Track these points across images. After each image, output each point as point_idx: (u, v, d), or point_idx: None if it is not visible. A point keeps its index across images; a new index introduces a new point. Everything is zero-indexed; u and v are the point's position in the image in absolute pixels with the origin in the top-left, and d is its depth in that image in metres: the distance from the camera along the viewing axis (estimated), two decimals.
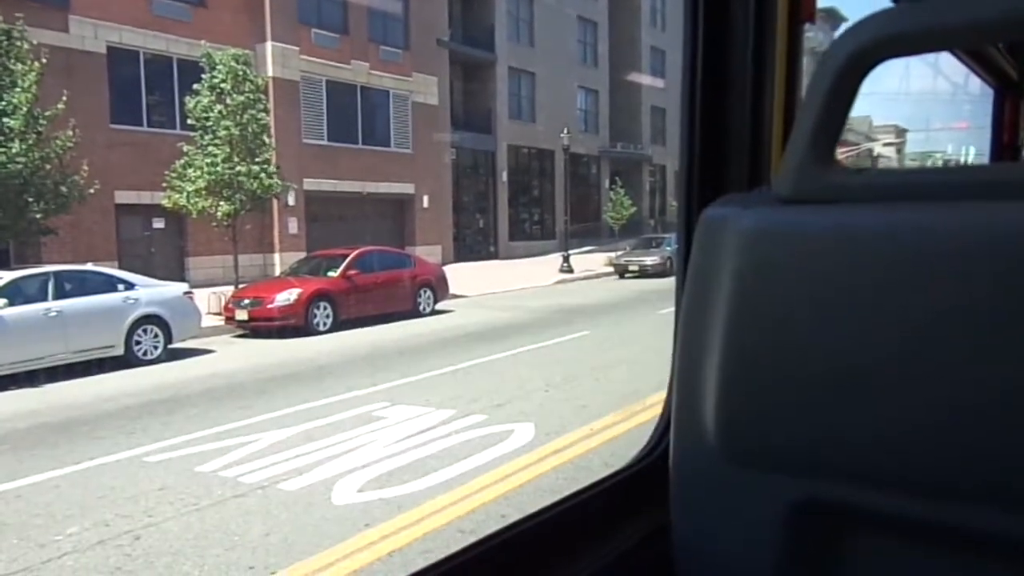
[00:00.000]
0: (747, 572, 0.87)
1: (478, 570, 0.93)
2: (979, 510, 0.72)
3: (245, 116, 17.02)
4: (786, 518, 0.82)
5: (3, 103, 14.15)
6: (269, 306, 14.15)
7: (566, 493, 1.09)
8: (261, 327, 14.08)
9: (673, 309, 1.14)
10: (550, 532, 1.03)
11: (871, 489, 0.76)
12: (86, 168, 15.53)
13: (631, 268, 23.96)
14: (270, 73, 22.48)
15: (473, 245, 31.66)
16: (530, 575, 0.97)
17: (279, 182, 18.01)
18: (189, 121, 17.35)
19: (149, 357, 11.87)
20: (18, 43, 14.67)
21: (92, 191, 15.78)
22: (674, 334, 0.93)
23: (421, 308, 16.59)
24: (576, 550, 1.02)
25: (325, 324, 14.58)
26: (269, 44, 23.25)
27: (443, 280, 17.68)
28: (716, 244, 0.81)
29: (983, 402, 0.68)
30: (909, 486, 0.74)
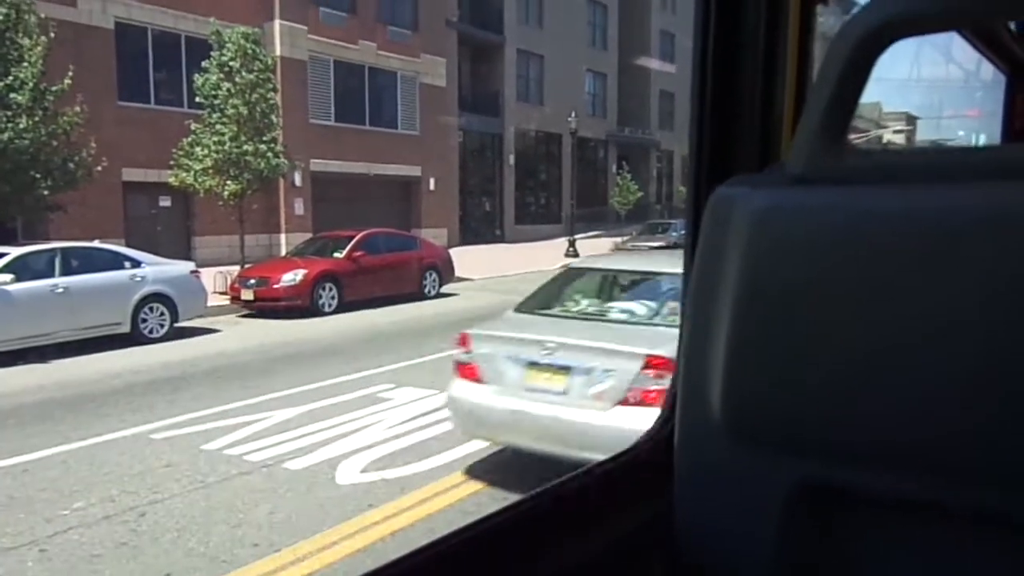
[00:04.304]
0: (749, 551, 0.87)
1: (477, 550, 0.93)
2: (984, 491, 0.71)
3: (253, 95, 16.96)
4: (790, 498, 0.82)
5: (10, 78, 14.10)
6: (275, 286, 14.18)
7: (569, 475, 1.09)
8: (267, 307, 14.12)
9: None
10: (551, 513, 1.03)
11: (876, 470, 0.76)
12: (94, 145, 15.50)
13: None
14: (278, 52, 22.39)
15: (479, 228, 31.62)
16: (530, 555, 0.97)
17: (286, 162, 17.99)
18: (197, 99, 17.30)
19: (155, 335, 11.92)
20: (26, 17, 14.60)
21: (100, 168, 15.75)
22: (680, 314, 0.92)
23: (426, 291, 16.60)
24: (578, 531, 1.02)
25: (330, 305, 14.60)
26: (277, 22, 23.15)
27: (449, 263, 17.67)
28: (726, 223, 0.80)
29: (992, 385, 0.68)
30: (914, 468, 0.74)
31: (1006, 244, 0.67)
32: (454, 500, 5.16)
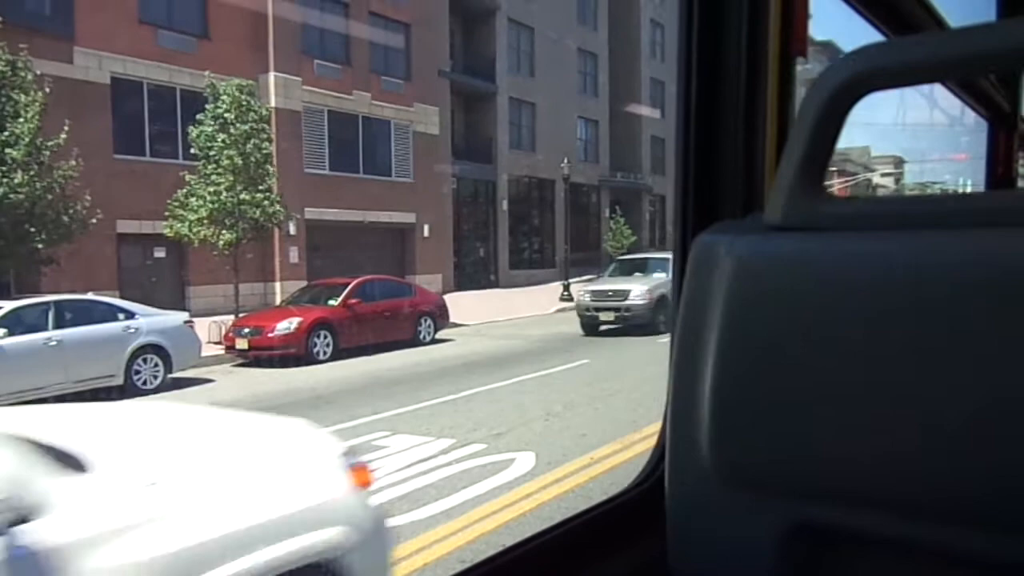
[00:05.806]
0: None
1: None
2: (973, 533, 0.72)
3: (248, 145, 17.12)
4: (781, 542, 0.82)
5: (6, 134, 14.24)
6: (269, 335, 14.14)
7: (559, 519, 1.09)
8: (261, 356, 14.06)
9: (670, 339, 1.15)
10: (545, 557, 1.03)
11: (866, 512, 0.76)
12: (88, 198, 15.60)
13: None
14: (272, 103, 22.64)
15: (473, 274, 31.68)
16: None
17: (281, 211, 18.09)
18: (192, 150, 17.45)
19: (149, 386, 11.83)
20: (22, 74, 14.80)
21: (94, 221, 15.83)
22: (670, 360, 0.94)
23: (422, 337, 16.57)
24: (572, 575, 1.02)
25: (325, 353, 14.55)
26: (272, 75, 23.46)
27: (443, 309, 17.68)
28: (708, 270, 0.82)
29: (973, 427, 0.69)
30: (903, 509, 0.74)
31: (980, 290, 0.68)
32: (452, 548, 5.09)
